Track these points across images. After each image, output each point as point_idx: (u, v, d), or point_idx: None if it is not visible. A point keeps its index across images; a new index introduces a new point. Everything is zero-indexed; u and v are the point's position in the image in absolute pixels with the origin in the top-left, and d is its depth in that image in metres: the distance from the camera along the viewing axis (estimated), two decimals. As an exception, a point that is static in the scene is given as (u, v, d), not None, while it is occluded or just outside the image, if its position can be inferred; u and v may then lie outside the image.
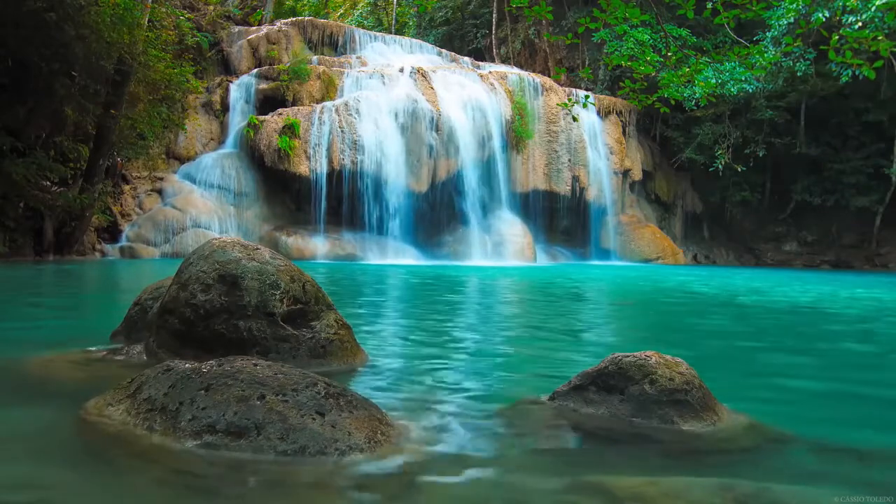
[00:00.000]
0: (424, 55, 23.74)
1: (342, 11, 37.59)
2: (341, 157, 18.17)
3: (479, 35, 30.54)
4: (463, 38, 31.05)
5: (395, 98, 19.22)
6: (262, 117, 18.31)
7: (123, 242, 15.88)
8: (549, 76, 24.04)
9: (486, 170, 20.67)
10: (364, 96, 19.15)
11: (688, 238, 26.72)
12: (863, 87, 20.03)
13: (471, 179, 20.06)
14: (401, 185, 18.84)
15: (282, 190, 18.74)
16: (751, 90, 21.43)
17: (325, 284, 4.15)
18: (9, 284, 8.15)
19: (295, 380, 1.96)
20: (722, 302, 8.24)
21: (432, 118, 19.42)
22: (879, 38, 5.39)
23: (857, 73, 16.04)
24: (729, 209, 26.47)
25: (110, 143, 14.05)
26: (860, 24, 16.63)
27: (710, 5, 6.52)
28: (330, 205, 18.28)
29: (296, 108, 18.77)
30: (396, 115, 19.02)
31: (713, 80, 16.21)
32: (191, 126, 18.15)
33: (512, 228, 20.50)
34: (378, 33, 26.43)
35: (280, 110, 18.57)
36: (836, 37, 5.75)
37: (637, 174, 25.17)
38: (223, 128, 19.33)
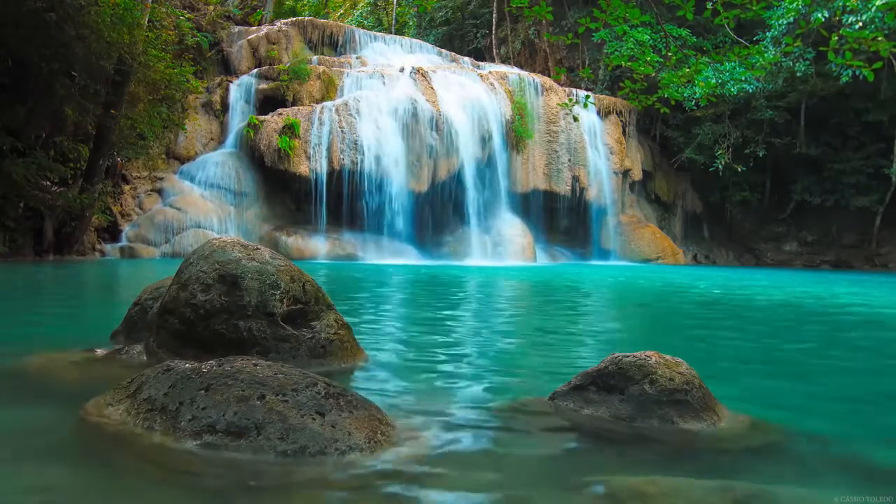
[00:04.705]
0: (424, 55, 23.74)
1: (342, 11, 37.59)
2: (341, 157, 18.17)
3: (479, 35, 30.54)
4: (463, 38, 31.04)
5: (395, 98, 19.22)
6: (262, 117, 18.31)
7: (123, 242, 15.88)
8: (549, 76, 24.03)
9: (486, 170, 20.68)
10: (364, 96, 19.16)
11: (688, 238, 26.72)
12: (863, 87, 20.03)
13: (471, 179, 20.05)
14: (401, 184, 18.84)
15: (282, 190, 18.74)
16: (751, 90, 21.43)
17: (325, 284, 4.16)
18: (9, 284, 8.15)
19: (295, 380, 1.96)
20: (721, 301, 8.24)
21: (432, 118, 19.42)
22: (879, 38, 5.38)
23: (857, 72, 16.05)
24: (729, 209, 26.47)
25: (110, 143, 14.05)
26: (860, 24, 16.63)
27: (710, 5, 6.51)
28: (330, 205, 18.28)
29: (296, 108, 18.77)
30: (396, 115, 19.02)
31: (713, 80, 16.19)
32: (191, 126, 18.15)
33: (512, 228, 20.50)
34: (378, 33, 26.43)
35: (280, 110, 18.57)
36: (836, 37, 5.74)
37: (637, 174, 25.17)
38: (223, 128, 19.34)
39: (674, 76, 7.60)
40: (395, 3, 33.65)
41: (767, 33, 20.41)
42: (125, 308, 3.60)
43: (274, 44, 21.14)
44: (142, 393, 1.99)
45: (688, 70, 7.43)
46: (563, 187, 22.34)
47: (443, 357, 3.52)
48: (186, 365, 2.05)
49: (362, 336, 3.56)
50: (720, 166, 23.39)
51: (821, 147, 23.87)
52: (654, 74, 11.92)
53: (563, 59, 27.89)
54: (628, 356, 2.32)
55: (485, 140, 20.42)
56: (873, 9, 16.25)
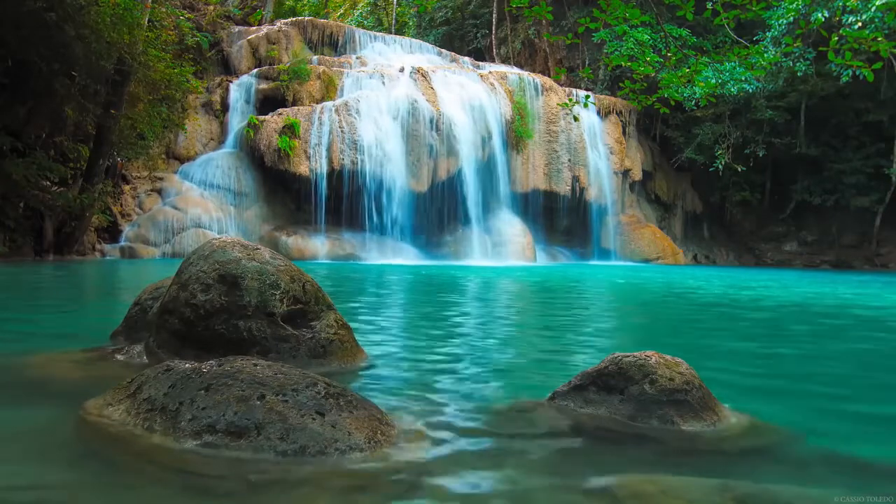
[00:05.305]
0: (424, 55, 23.75)
1: (342, 11, 37.58)
2: (341, 157, 18.18)
3: (479, 35, 30.54)
4: (463, 38, 31.05)
5: (395, 98, 19.23)
6: (262, 117, 18.32)
7: (123, 242, 15.88)
8: (549, 76, 24.04)
9: (486, 170, 20.68)
10: (364, 96, 19.16)
11: (688, 238, 26.72)
12: (863, 87, 20.03)
13: (471, 179, 20.06)
14: (401, 184, 18.84)
15: (282, 190, 18.75)
16: (751, 90, 21.44)
17: (325, 284, 4.15)
18: (9, 284, 8.15)
19: (295, 380, 1.96)
20: (722, 301, 8.24)
21: (432, 118, 19.42)
22: (879, 38, 5.39)
23: (857, 72, 16.05)
24: (729, 209, 26.48)
25: (110, 143, 14.06)
26: (860, 24, 16.63)
27: (710, 5, 6.52)
28: (330, 205, 18.29)
29: (296, 108, 18.77)
30: (396, 115, 19.03)
31: (713, 80, 16.21)
32: (191, 126, 18.16)
33: (512, 228, 20.50)
34: (378, 33, 26.44)
35: (280, 110, 18.58)
36: (836, 38, 5.74)
37: (637, 174, 25.18)
38: (223, 128, 19.34)
39: (674, 76, 7.60)
40: (395, 3, 33.66)
41: (767, 33, 20.42)
42: (125, 308, 3.60)
43: (274, 44, 21.14)
44: (142, 393, 1.99)
45: (688, 70, 7.44)
46: (563, 187, 22.35)
47: (443, 357, 3.52)
48: (186, 365, 2.05)
49: (362, 336, 3.56)
50: (720, 166, 23.40)
51: (821, 147, 23.87)
52: (654, 74, 11.93)
53: (563, 59, 27.90)
54: (628, 356, 2.32)
55: (485, 140, 20.42)
56: (873, 9, 16.26)
